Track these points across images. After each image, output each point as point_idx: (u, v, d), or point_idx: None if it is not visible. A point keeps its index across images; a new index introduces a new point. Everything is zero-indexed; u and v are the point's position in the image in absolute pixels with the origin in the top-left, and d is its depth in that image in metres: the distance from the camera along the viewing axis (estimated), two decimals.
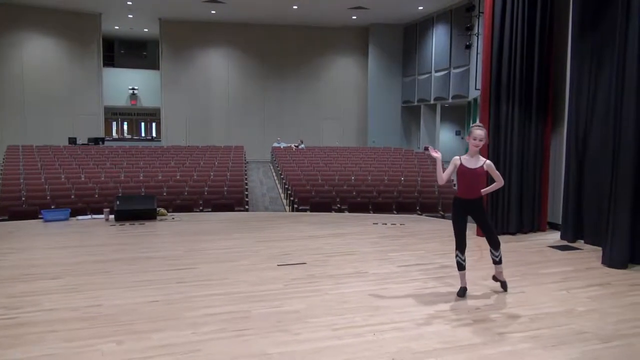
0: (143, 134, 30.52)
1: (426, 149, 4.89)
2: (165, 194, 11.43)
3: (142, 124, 30.68)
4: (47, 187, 11.52)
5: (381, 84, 22.37)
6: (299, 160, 16.62)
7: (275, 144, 20.09)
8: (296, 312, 4.24)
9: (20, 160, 14.30)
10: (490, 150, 7.27)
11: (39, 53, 20.07)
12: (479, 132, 4.48)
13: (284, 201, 14.00)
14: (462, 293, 4.64)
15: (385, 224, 8.70)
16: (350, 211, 10.89)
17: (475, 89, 15.85)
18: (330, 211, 10.93)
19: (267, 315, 4.18)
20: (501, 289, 4.82)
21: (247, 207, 11.88)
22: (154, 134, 29.87)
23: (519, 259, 6.16)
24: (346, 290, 4.89)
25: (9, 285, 4.97)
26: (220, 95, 22.57)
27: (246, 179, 14.55)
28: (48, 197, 10.64)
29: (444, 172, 4.64)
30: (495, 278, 4.90)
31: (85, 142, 19.61)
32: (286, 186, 13.81)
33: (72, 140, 19.21)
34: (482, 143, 4.51)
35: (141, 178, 12.93)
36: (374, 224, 8.71)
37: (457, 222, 4.61)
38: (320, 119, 23.18)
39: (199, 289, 4.91)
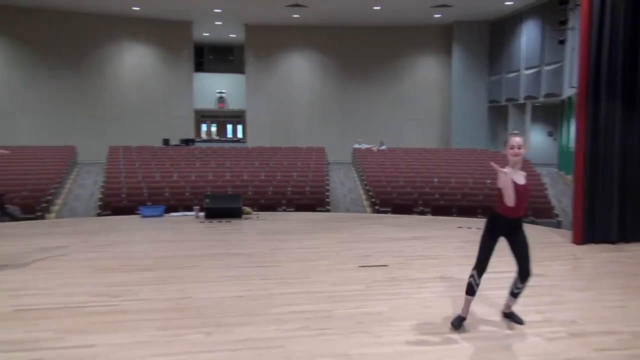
0: (230, 135, 31.78)
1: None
2: (250, 193, 11.81)
3: (229, 125, 31.96)
4: (143, 185, 12.34)
5: (466, 84, 21.63)
6: (380, 161, 16.51)
7: (356, 145, 20.09)
8: (378, 314, 4.20)
9: (121, 160, 15.44)
10: (588, 151, 6.77)
11: (136, 60, 21.58)
12: (517, 139, 3.91)
13: (365, 202, 13.95)
14: (457, 323, 3.92)
15: (470, 228, 8.39)
16: (433, 214, 10.64)
17: (570, 86, 14.86)
18: (412, 213, 10.74)
19: (348, 315, 4.18)
20: (518, 324, 4.00)
21: (328, 207, 11.98)
22: (239, 135, 31.02)
23: (620, 270, 5.68)
24: (429, 294, 4.77)
25: (110, 275, 5.38)
26: (302, 97, 22.97)
27: (327, 179, 14.69)
28: (145, 195, 11.39)
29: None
30: (505, 314, 4.12)
31: (177, 143, 20.78)
32: (367, 187, 13.76)
33: (166, 142, 20.44)
34: (521, 151, 3.93)
35: (228, 177, 13.47)
36: (458, 227, 8.44)
37: (488, 240, 4.04)
38: (402, 120, 22.86)
39: (282, 286, 5.02)
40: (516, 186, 3.89)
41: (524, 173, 4.02)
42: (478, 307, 4.37)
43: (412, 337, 3.76)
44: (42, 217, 10.57)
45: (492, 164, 4.11)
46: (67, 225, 9.00)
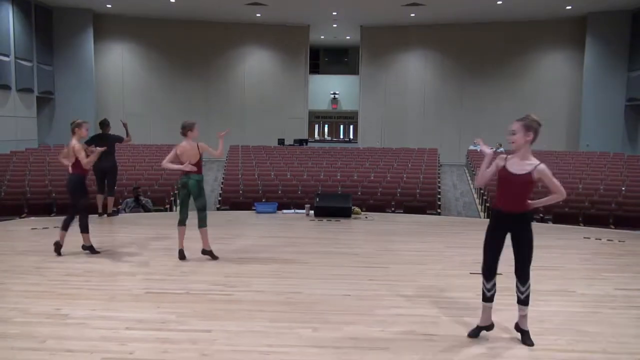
0: (342, 136, 32.26)
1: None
2: (359, 193, 11.88)
3: (341, 126, 32.44)
4: (259, 182, 12.99)
5: (599, 81, 19.69)
6: (497, 164, 15.65)
7: (472, 147, 19.29)
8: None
9: (240, 159, 16.41)
10: None
11: (257, 64, 22.79)
12: (513, 125, 3.58)
13: (479, 207, 13.34)
14: (474, 333, 3.69)
15: (600, 239, 7.65)
16: (554, 222, 9.86)
17: None
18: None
19: (456, 323, 4.03)
20: (524, 344, 3.63)
21: (439, 210, 11.64)
22: (351, 136, 31.35)
23: None
24: (546, 308, 4.44)
25: (227, 266, 5.74)
26: (416, 97, 22.58)
27: (439, 182, 14.29)
28: (260, 192, 11.98)
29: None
30: (517, 327, 3.77)
31: (292, 142, 21.58)
32: (482, 191, 13.15)
33: (281, 141, 21.32)
34: (513, 137, 3.54)
35: (338, 177, 13.68)
36: (584, 238, 7.73)
37: (488, 237, 3.70)
38: None
39: (389, 288, 4.98)
40: (502, 172, 3.60)
41: (537, 163, 3.56)
42: (613, 329, 3.96)
43: (526, 352, 3.52)
44: (171, 210, 11.58)
45: (478, 140, 3.94)
46: (191, 217, 9.74)
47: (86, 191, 6.16)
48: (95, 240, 7.10)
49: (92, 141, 8.57)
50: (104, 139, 8.52)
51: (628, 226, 9.39)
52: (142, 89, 21.69)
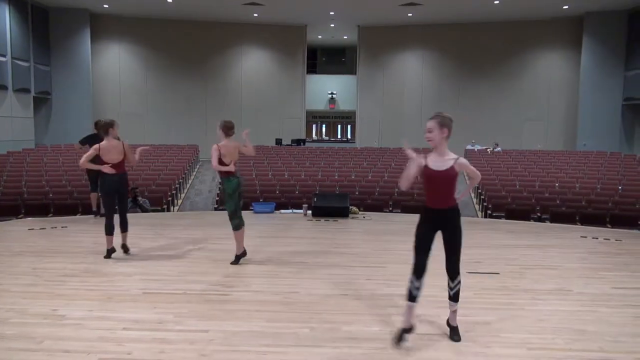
0: (339, 136, 32.27)
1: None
2: (357, 193, 11.89)
3: (339, 126, 32.45)
4: (257, 182, 12.98)
5: (596, 80, 19.73)
6: (495, 163, 15.70)
7: (469, 147, 19.31)
8: (486, 324, 4.01)
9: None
10: None
11: (254, 64, 22.76)
12: (428, 122, 3.62)
13: (476, 206, 13.36)
14: (400, 337, 3.51)
15: (597, 238, 7.67)
16: (552, 221, 9.88)
17: None
18: (529, 220, 10.07)
19: None
20: (451, 339, 3.67)
21: None
22: (349, 136, 31.35)
23: None
24: (545, 307, 4.44)
25: (225, 267, 5.73)
26: (413, 97, 22.59)
27: None
28: (257, 192, 11.97)
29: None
30: (447, 322, 3.82)
31: (289, 142, 21.57)
32: (479, 191, 13.17)
33: (278, 141, 21.31)
34: (430, 135, 3.59)
35: (336, 177, 13.68)
36: (581, 237, 7.75)
37: (420, 238, 3.74)
38: (521, 120, 21.52)
39: (387, 287, 4.98)
40: (427, 171, 3.64)
41: (456, 157, 3.64)
42: (610, 328, 3.96)
43: (524, 352, 3.52)
44: (168, 210, 11.56)
45: (404, 142, 4.09)
46: (189, 217, 9.76)
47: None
48: (91, 241, 7.09)
49: (87, 141, 8.56)
50: (97, 139, 8.50)
51: (624, 225, 9.42)
52: (139, 89, 21.65)
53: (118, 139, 6.25)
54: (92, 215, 8.88)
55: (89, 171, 8.63)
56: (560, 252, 6.68)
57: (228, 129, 5.79)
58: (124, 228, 6.17)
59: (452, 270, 3.74)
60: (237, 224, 5.85)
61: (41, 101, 19.37)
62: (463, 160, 3.68)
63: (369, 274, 5.45)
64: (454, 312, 3.76)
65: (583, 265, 6.00)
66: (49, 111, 19.77)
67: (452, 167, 3.61)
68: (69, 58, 19.77)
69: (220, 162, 5.64)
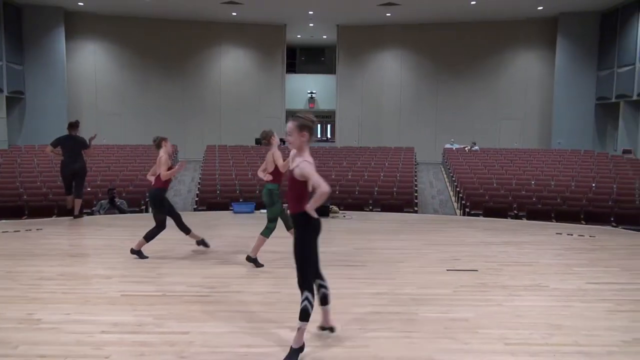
0: (319, 135, 32.29)
1: None
2: (337, 192, 11.91)
3: (319, 125, 32.46)
4: (236, 182, 12.91)
5: (570, 80, 20.14)
6: (472, 162, 15.91)
7: (448, 145, 19.52)
8: (465, 321, 4.06)
9: (216, 158, 16.28)
10: None
11: (233, 63, 22.61)
12: (288, 124, 3.39)
13: (455, 204, 13.52)
14: (294, 356, 3.31)
15: (571, 234, 7.84)
16: (528, 218, 10.06)
17: None
18: (506, 217, 10.23)
19: (434, 320, 4.08)
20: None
21: (416, 208, 11.76)
22: (329, 135, 31.41)
23: None
24: (522, 303, 4.53)
25: (206, 267, 5.69)
26: (392, 96, 22.72)
27: (416, 180, 14.42)
28: (237, 192, 11.91)
29: None
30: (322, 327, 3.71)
31: None
32: (458, 189, 13.33)
33: (258, 141, 21.20)
34: (291, 139, 3.34)
35: None
36: (557, 233, 7.91)
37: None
38: (498, 119, 21.83)
39: (367, 286, 5.01)
40: (289, 173, 3.47)
41: (301, 160, 3.32)
42: (584, 322, 4.06)
43: (502, 347, 3.59)
44: (146, 211, 11.42)
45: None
46: (167, 219, 9.64)
47: (164, 207, 6.20)
48: (67, 243, 6.97)
49: (59, 142, 8.40)
50: (71, 140, 8.35)
51: (598, 222, 9.64)
52: (116, 89, 21.31)
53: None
54: (71, 217, 8.71)
55: (64, 175, 8.49)
56: (537, 248, 6.81)
57: (263, 139, 6.02)
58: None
59: (298, 281, 3.42)
60: (272, 230, 5.79)
61: (14, 101, 18.92)
62: (303, 165, 3.30)
63: (349, 273, 5.48)
64: (298, 330, 3.35)
65: (558, 261, 6.12)
66: (22, 111, 19.32)
67: (292, 171, 3.37)
68: (43, 57, 19.35)
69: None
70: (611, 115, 19.72)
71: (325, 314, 3.69)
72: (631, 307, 4.41)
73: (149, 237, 6.10)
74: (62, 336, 3.69)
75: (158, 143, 6.28)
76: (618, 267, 5.80)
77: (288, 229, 5.88)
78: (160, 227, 6.13)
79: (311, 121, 3.42)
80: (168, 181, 6.22)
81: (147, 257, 6.05)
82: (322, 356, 3.44)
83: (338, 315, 4.16)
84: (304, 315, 3.33)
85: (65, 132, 8.70)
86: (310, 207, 3.31)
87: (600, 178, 13.12)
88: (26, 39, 19.17)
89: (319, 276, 3.59)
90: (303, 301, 3.35)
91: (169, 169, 6.19)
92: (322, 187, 3.19)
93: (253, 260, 5.77)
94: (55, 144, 8.45)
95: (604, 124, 20.16)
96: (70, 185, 8.50)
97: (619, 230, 8.83)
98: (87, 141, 8.57)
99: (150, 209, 6.16)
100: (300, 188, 3.35)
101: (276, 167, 5.79)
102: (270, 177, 5.81)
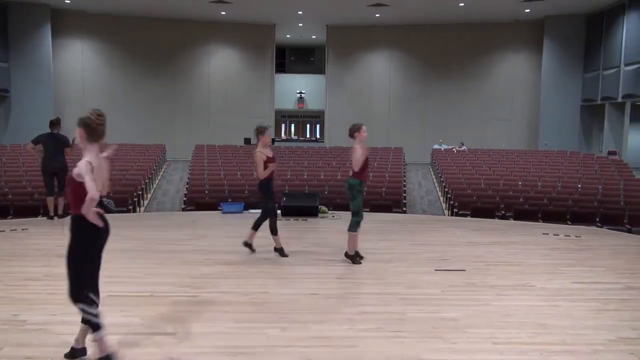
0: (308, 135, 32.27)
1: None
2: (326, 192, 11.92)
3: (308, 125, 32.45)
4: (225, 182, 12.85)
5: (557, 82, 20.37)
6: (460, 162, 16.01)
7: (436, 146, 19.63)
8: (453, 320, 4.09)
9: (205, 158, 16.20)
10: None
11: (222, 63, 22.52)
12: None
13: (443, 205, 13.60)
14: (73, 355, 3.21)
15: (557, 234, 7.92)
16: (515, 219, 10.14)
17: None
18: (494, 217, 10.31)
19: (423, 319, 4.10)
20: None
21: (404, 209, 11.80)
22: (318, 135, 31.41)
23: None
24: (509, 302, 4.56)
25: (193, 267, 5.65)
26: (381, 97, 22.79)
27: (405, 180, 14.48)
28: (226, 192, 11.86)
29: None
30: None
31: None
32: (446, 189, 13.40)
33: (247, 141, 21.12)
34: (78, 140, 3.24)
35: (305, 176, 13.69)
36: (543, 234, 7.99)
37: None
38: (486, 120, 22.00)
39: (356, 286, 5.02)
40: None
41: (84, 159, 3.15)
42: (570, 321, 4.10)
43: (490, 346, 3.61)
44: (134, 211, 11.33)
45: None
46: (155, 219, 9.59)
47: (273, 195, 6.25)
48: (53, 243, 6.88)
49: (40, 140, 8.28)
50: (53, 138, 8.23)
51: (584, 222, 9.75)
52: (103, 87, 21.10)
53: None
54: (46, 217, 8.57)
55: (44, 173, 8.38)
56: (524, 248, 6.87)
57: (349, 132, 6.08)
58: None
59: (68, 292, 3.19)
60: (359, 223, 5.80)
61: None
62: (80, 165, 3.12)
63: (339, 273, 5.48)
64: (95, 341, 3.18)
65: (545, 261, 6.18)
66: (7, 109, 19.06)
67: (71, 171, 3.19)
68: (29, 55, 19.10)
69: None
70: (597, 117, 19.97)
71: (82, 333, 3.32)
72: (616, 306, 4.47)
73: (256, 226, 6.17)
74: (47, 337, 3.65)
75: (256, 134, 6.21)
76: (603, 266, 5.87)
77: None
78: (265, 214, 6.17)
79: (88, 118, 3.19)
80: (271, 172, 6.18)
81: (287, 256, 6.12)
82: (310, 356, 3.43)
83: (327, 316, 4.16)
84: (94, 327, 3.14)
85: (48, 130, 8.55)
86: (85, 211, 3.07)
87: (585, 179, 13.27)
88: (12, 37, 18.91)
89: (96, 291, 3.28)
90: (83, 314, 3.15)
91: (269, 160, 6.10)
92: (89, 192, 3.02)
93: (351, 257, 5.81)
94: (35, 141, 8.31)
95: (590, 125, 20.42)
96: (51, 185, 8.37)
97: (604, 230, 8.94)
98: (71, 141, 8.44)
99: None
100: (77, 189, 3.11)
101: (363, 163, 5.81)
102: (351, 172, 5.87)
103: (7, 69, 18.76)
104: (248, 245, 6.27)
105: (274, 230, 6.13)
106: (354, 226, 5.84)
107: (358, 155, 5.84)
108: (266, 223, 6.14)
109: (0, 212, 9.66)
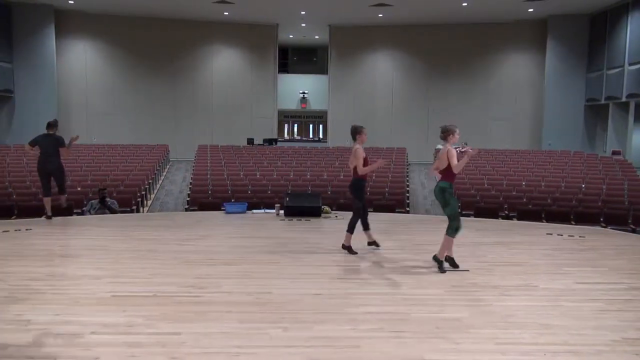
0: (311, 135, 32.28)
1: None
2: (329, 192, 11.93)
3: (311, 125, 32.46)
4: (228, 182, 12.87)
5: (560, 82, 20.30)
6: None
7: (439, 147, 19.60)
8: (456, 320, 4.08)
9: (208, 158, 16.22)
10: None
11: (225, 63, 22.55)
12: None
13: None
14: None
15: (561, 235, 7.89)
16: (519, 219, 10.12)
17: None
18: (497, 217, 10.29)
19: (426, 320, 4.10)
20: None
21: (407, 209, 11.79)
22: (320, 135, 31.41)
23: None
24: (512, 303, 4.56)
25: (197, 267, 5.66)
26: (384, 97, 22.77)
27: (408, 181, 14.47)
28: (229, 192, 11.87)
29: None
30: None
31: (261, 142, 21.45)
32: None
33: (250, 141, 21.15)
34: None
35: (308, 177, 13.69)
36: (547, 234, 7.97)
37: None
38: (489, 120, 21.95)
39: (360, 286, 5.02)
40: None
41: None
42: (573, 321, 4.09)
43: (492, 347, 3.61)
44: (137, 211, 11.36)
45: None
46: (159, 219, 9.61)
47: (364, 195, 6.42)
48: (59, 244, 6.91)
49: (36, 141, 8.30)
50: (49, 139, 8.25)
51: (588, 222, 9.72)
52: (106, 88, 21.15)
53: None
54: (44, 218, 8.59)
55: (40, 174, 8.42)
56: (527, 248, 6.86)
57: (441, 134, 5.85)
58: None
59: None
60: (458, 228, 5.61)
61: (3, 99, 18.73)
62: None
63: (341, 273, 5.48)
64: None
65: (549, 261, 6.17)
66: (11, 110, 19.13)
67: None
68: (33, 55, 19.17)
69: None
70: (600, 117, 19.90)
71: None
72: (620, 306, 4.45)
73: (351, 227, 6.26)
74: (51, 337, 3.66)
75: (353, 134, 6.28)
76: (607, 267, 5.85)
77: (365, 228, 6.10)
78: (357, 215, 6.28)
79: None
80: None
81: (356, 253, 6.23)
82: (313, 356, 3.43)
83: (330, 316, 4.16)
84: None
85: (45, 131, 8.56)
86: None
87: (589, 179, 13.24)
88: (15, 37, 18.98)
89: None
90: None
91: (364, 161, 6.20)
92: None
93: (439, 262, 5.57)
94: (32, 142, 8.36)
95: (594, 125, 20.35)
96: (47, 186, 8.41)
97: (608, 230, 8.91)
98: (68, 141, 8.46)
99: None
100: None
101: (449, 165, 5.57)
102: (439, 176, 5.66)
103: (10, 69, 18.83)
104: (372, 243, 6.41)
105: (351, 229, 6.31)
106: (454, 232, 5.57)
107: (455, 159, 5.61)
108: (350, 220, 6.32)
109: (4, 212, 9.70)
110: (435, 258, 5.66)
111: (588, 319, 4.15)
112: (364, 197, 6.50)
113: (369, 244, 6.52)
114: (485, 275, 5.43)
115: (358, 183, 6.34)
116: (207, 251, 6.47)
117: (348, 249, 6.34)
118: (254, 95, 22.54)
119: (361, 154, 6.20)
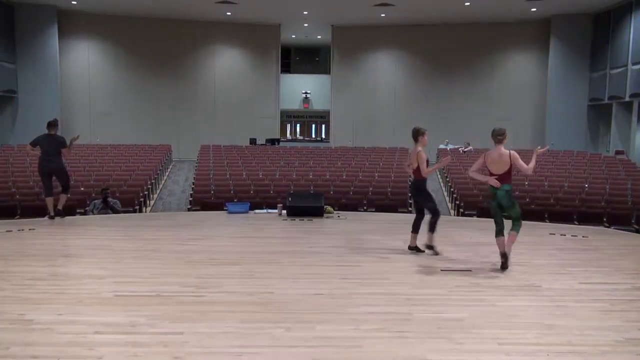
0: (314, 135, 32.28)
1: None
2: (332, 192, 11.92)
3: (313, 125, 32.46)
4: (231, 182, 12.88)
5: (563, 81, 20.26)
6: (466, 162, 15.95)
7: (442, 146, 19.58)
8: (459, 321, 4.07)
9: (210, 158, 16.25)
10: None
11: (227, 63, 22.58)
12: None
13: (449, 205, 13.56)
14: None
15: (564, 235, 7.87)
16: (522, 219, 10.07)
17: None
18: None
19: (428, 320, 4.09)
20: None
21: (410, 209, 11.77)
22: (323, 135, 31.40)
23: None
24: (515, 303, 4.54)
25: (199, 267, 5.67)
26: (387, 97, 22.77)
27: (410, 180, 14.44)
28: (232, 192, 11.88)
29: None
30: None
31: (263, 142, 21.47)
32: (452, 189, 13.38)
33: (253, 141, 21.17)
34: None
35: (310, 177, 13.69)
36: (550, 234, 7.95)
37: None
38: (491, 120, 21.74)
39: (362, 286, 5.01)
40: None
41: None
42: (577, 322, 4.08)
43: (495, 347, 3.60)
44: (140, 211, 11.38)
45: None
46: (161, 218, 9.63)
47: (428, 194, 6.45)
48: (60, 243, 6.93)
49: (37, 141, 8.32)
50: (49, 139, 8.26)
51: (591, 222, 9.69)
52: (109, 88, 21.20)
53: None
54: (47, 218, 8.61)
55: (40, 174, 8.44)
56: (530, 249, 6.84)
57: (498, 137, 5.89)
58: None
59: None
60: (497, 231, 5.75)
61: (6, 100, 18.80)
62: None
63: (343, 273, 5.48)
64: None
65: (551, 261, 6.15)
66: (14, 110, 19.19)
67: None
68: (36, 56, 19.23)
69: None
70: (604, 117, 19.85)
71: None
72: (624, 307, 4.43)
73: (432, 227, 6.25)
74: (54, 337, 3.67)
75: (415, 136, 6.33)
76: (610, 267, 5.83)
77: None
78: (435, 214, 6.27)
79: None
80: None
81: (439, 254, 6.22)
82: (315, 356, 3.43)
83: (332, 316, 4.16)
84: None
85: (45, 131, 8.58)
86: None
87: (593, 179, 13.20)
88: (18, 38, 19.05)
89: None
90: None
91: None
92: None
93: (502, 255, 5.63)
94: (34, 143, 8.37)
95: (597, 125, 20.29)
96: (49, 186, 8.42)
97: (611, 230, 8.88)
98: (69, 141, 8.47)
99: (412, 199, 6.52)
100: None
101: (510, 167, 5.64)
102: (498, 184, 5.64)
103: (14, 70, 18.89)
104: (430, 247, 6.34)
105: (416, 229, 6.37)
106: (518, 228, 5.70)
107: (522, 161, 5.69)
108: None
109: (7, 212, 9.73)
110: (502, 254, 5.66)
111: (592, 319, 4.13)
112: (432, 196, 6.56)
113: (410, 248, 6.45)
114: (489, 276, 5.41)
115: (421, 184, 6.38)
116: (210, 251, 6.47)
117: (431, 248, 6.30)
118: (256, 96, 22.57)
119: (424, 156, 6.23)
